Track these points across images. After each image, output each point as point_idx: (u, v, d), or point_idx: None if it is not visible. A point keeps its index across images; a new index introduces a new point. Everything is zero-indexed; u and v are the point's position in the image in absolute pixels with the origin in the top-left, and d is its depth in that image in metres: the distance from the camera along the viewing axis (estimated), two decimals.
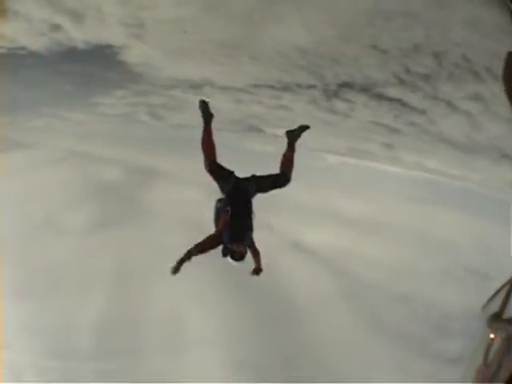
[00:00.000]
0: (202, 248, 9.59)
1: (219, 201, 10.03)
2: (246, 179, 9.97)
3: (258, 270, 10.32)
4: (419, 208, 26.52)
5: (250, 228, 9.65)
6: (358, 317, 22.49)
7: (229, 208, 9.51)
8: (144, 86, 25.12)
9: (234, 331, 21.49)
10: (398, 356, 20.93)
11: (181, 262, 9.75)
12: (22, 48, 21.81)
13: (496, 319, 6.79)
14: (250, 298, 21.58)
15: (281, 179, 10.13)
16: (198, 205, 25.21)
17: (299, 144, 25.73)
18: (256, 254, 10.09)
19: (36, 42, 21.80)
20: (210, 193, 24.75)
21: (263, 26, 19.40)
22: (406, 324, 22.16)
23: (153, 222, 25.35)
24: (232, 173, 10.06)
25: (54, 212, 25.43)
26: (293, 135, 10.72)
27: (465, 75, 18.85)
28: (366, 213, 26.71)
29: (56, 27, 21.22)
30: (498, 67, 15.67)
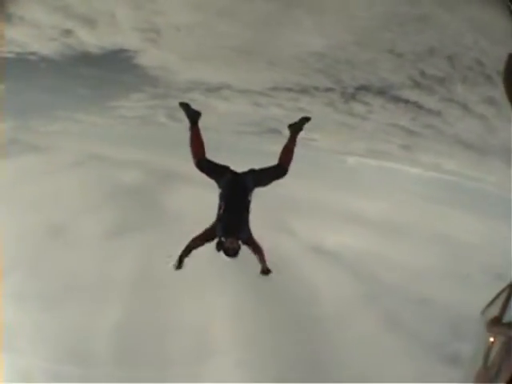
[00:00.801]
0: (198, 241, 9.99)
1: (220, 187, 10.07)
2: (244, 174, 9.93)
3: (265, 271, 10.21)
4: (437, 209, 26.35)
5: (245, 223, 9.60)
6: (378, 319, 22.33)
7: (222, 203, 9.67)
8: (161, 89, 24.97)
9: (257, 338, 21.21)
10: (415, 358, 20.79)
11: (181, 257, 10.26)
12: (33, 53, 21.74)
13: (496, 323, 6.59)
14: (272, 303, 21.06)
15: (278, 170, 9.97)
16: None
17: (319, 146, 25.52)
18: (258, 252, 9.99)
19: (47, 47, 21.75)
20: None
21: (279, 30, 19.24)
22: (424, 326, 21.95)
23: (174, 227, 24.64)
24: (227, 168, 10.06)
25: (71, 216, 25.13)
26: (295, 127, 10.26)
27: (478, 78, 18.87)
28: (385, 214, 26.50)
29: (67, 32, 21.19)
30: None
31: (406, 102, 21.64)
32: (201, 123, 24.64)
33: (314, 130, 25.16)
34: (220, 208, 9.72)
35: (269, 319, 21.44)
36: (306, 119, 10.16)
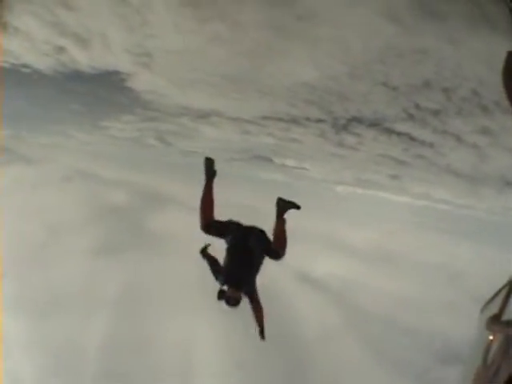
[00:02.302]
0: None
1: (226, 242, 9.34)
2: (249, 230, 9.22)
3: (261, 332, 10.04)
4: (426, 238, 26.13)
5: (249, 278, 9.03)
6: (364, 348, 21.92)
7: (227, 256, 9.08)
8: (152, 112, 24.73)
9: (242, 361, 20.85)
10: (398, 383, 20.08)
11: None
12: (26, 66, 21.35)
13: (495, 321, 6.05)
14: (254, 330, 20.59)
15: (273, 253, 9.14)
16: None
17: (309, 176, 25.05)
18: (257, 310, 9.49)
19: (40, 61, 21.30)
20: None
21: (271, 60, 18.67)
22: (410, 354, 21.55)
23: (159, 249, 24.75)
24: (233, 224, 9.33)
25: (59, 231, 24.85)
26: (283, 205, 9.29)
27: (473, 109, 18.18)
28: (373, 243, 26.35)
29: (60, 49, 20.56)
30: (506, 101, 15.40)
31: (399, 134, 21.28)
32: (189, 147, 24.26)
33: (305, 160, 25.75)
34: (225, 259, 9.14)
35: (254, 343, 20.96)
36: (296, 206, 9.32)
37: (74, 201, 26.82)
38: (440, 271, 24.35)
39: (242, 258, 8.91)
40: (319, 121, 22.11)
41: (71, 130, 27.68)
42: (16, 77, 21.32)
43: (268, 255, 9.12)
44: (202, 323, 20.91)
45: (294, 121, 22.54)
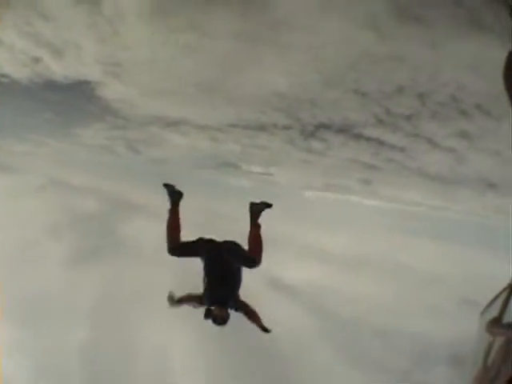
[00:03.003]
0: (189, 302, 9.29)
1: (201, 261, 9.28)
2: (221, 246, 9.11)
3: (264, 329, 9.69)
4: (399, 240, 25.89)
5: (232, 292, 8.99)
6: (339, 353, 21.70)
7: (205, 276, 9.00)
8: (121, 120, 24.72)
9: (217, 366, 20.98)
10: None
11: (175, 301, 9.59)
12: (5, 75, 21.36)
13: (495, 324, 6.00)
14: (232, 333, 20.40)
15: (249, 261, 8.94)
16: None
17: (276, 181, 24.86)
18: (252, 315, 9.37)
19: (19, 72, 21.33)
20: (189, 229, 24.23)
21: (241, 69, 18.42)
22: (389, 358, 21.38)
23: (131, 256, 24.55)
24: (204, 242, 9.20)
25: (34, 240, 24.68)
26: (256, 208, 9.19)
27: (451, 113, 17.91)
28: (344, 247, 26.14)
29: (37, 60, 20.52)
30: (490, 104, 15.77)
31: (368, 139, 21.09)
32: (158, 155, 24.12)
33: (272, 166, 25.56)
34: (204, 280, 9.01)
35: (228, 349, 20.88)
36: (268, 205, 9.23)
37: (47, 209, 26.72)
38: (415, 273, 24.21)
39: (222, 275, 8.84)
40: (287, 127, 22.09)
41: (44, 137, 27.76)
42: None
43: (244, 265, 9.00)
44: (176, 329, 20.73)
45: (262, 128, 22.57)
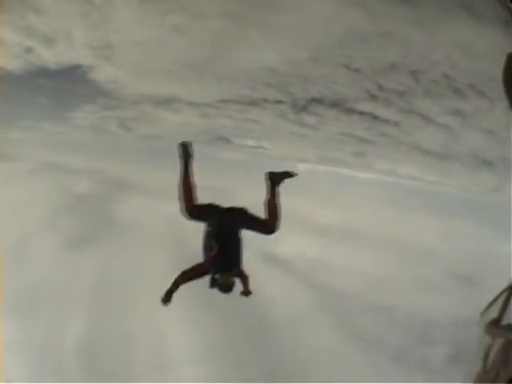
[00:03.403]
0: (188, 277, 8.93)
1: (209, 226, 9.05)
2: (232, 212, 9.06)
3: (246, 293, 9.55)
4: (394, 213, 25.61)
5: (238, 260, 8.91)
6: (336, 328, 21.43)
7: (215, 242, 8.66)
8: (113, 101, 24.82)
9: (216, 348, 20.37)
10: (377, 365, 19.87)
11: (169, 292, 9.11)
12: (1, 68, 21.17)
13: (494, 326, 6.05)
14: (229, 314, 20.32)
15: (266, 228, 9.08)
16: (174, 218, 24.45)
17: (269, 154, 24.75)
18: (244, 279, 9.33)
19: (12, 64, 21.46)
20: None
21: (230, 47, 18.59)
22: (384, 333, 21.24)
23: (129, 237, 24.20)
24: (215, 207, 9.08)
25: (31, 227, 24.43)
26: (276, 178, 9.28)
27: (445, 92, 18.08)
28: (339, 220, 25.84)
29: (29, 50, 20.86)
30: (483, 85, 15.92)
31: (361, 113, 21.07)
32: (150, 132, 24.12)
33: (264, 139, 25.56)
34: (210, 248, 8.77)
35: (226, 329, 20.82)
36: (289, 174, 9.27)
37: (42, 193, 26.38)
38: (412, 248, 24.02)
39: (229, 242, 8.77)
40: (278, 102, 22.10)
41: (38, 123, 27.91)
42: None
43: (258, 231, 9.07)
44: (173, 312, 20.70)
45: (253, 103, 22.56)
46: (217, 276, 8.41)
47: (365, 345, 20.78)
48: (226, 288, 8.42)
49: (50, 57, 21.24)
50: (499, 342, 6.03)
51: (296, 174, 9.19)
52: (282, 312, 21.45)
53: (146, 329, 20.61)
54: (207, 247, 8.81)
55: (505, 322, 6.30)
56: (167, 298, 9.09)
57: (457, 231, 23.75)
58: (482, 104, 16.97)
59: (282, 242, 23.26)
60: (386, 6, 14.93)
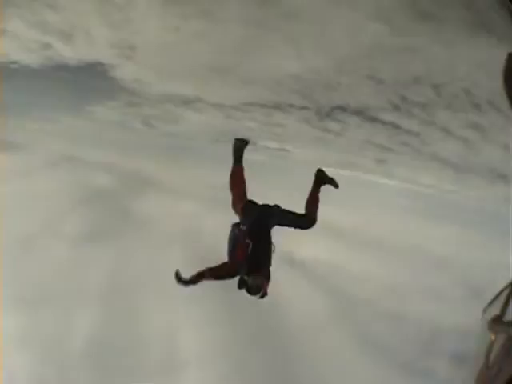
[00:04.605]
0: (217, 275, 8.65)
1: (236, 226, 8.80)
2: (268, 210, 8.94)
3: (262, 294, 8.81)
4: (412, 221, 25.47)
5: (268, 261, 8.67)
6: (350, 336, 21.38)
7: (249, 241, 8.41)
8: (135, 98, 24.92)
9: (228, 350, 20.05)
10: (387, 373, 19.71)
11: (190, 281, 8.81)
12: (14, 62, 21.52)
13: (497, 322, 5.94)
14: (241, 314, 20.23)
15: (305, 221, 9.25)
16: (193, 217, 24.29)
17: (292, 158, 24.73)
18: (266, 281, 8.78)
19: (28, 58, 21.53)
20: (205, 205, 23.64)
21: (255, 54, 18.59)
22: (395, 342, 21.07)
23: (146, 234, 23.97)
24: (253, 204, 8.96)
25: (47, 220, 24.18)
26: (323, 177, 9.66)
27: (465, 106, 18.15)
28: (358, 226, 25.74)
29: (46, 45, 20.88)
30: (501, 101, 15.22)
31: (383, 122, 21.21)
32: (173, 130, 24.08)
33: (288, 142, 25.56)
34: (235, 240, 8.63)
35: (239, 331, 20.53)
36: (334, 183, 9.64)
37: (60, 187, 26.19)
38: (426, 257, 23.90)
39: (262, 241, 8.59)
40: (303, 108, 22.17)
41: (58, 115, 27.94)
42: (7, 72, 21.18)
43: (297, 225, 9.09)
44: (187, 311, 20.58)
45: (278, 107, 22.69)
46: (247, 277, 8.18)
47: (374, 351, 20.67)
48: (256, 291, 8.17)
49: (69, 53, 21.43)
50: (501, 339, 5.94)
51: (338, 187, 9.53)
52: (296, 316, 21.40)
53: (157, 328, 20.41)
54: (236, 246, 8.55)
55: (507, 318, 6.22)
56: (184, 282, 8.82)
57: (471, 241, 23.67)
58: (499, 120, 16.93)
59: (301, 245, 23.09)
60: (411, 22, 14.94)
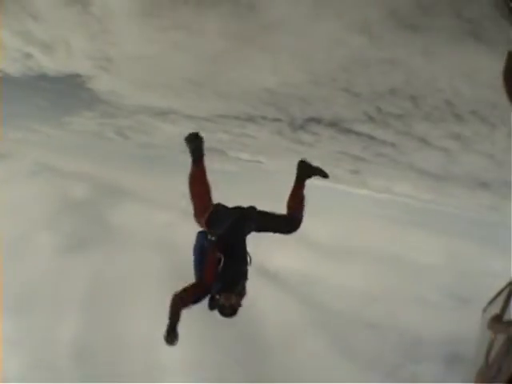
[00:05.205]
0: (186, 301, 6.88)
1: (202, 235, 7.18)
2: (242, 214, 7.24)
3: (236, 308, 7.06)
4: (388, 230, 25.60)
5: (243, 276, 7.04)
6: (330, 345, 21.31)
7: (220, 255, 6.84)
8: (111, 109, 24.81)
9: (205, 359, 20.21)
10: (368, 381, 19.68)
11: (172, 328, 7.00)
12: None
13: (497, 321, 5.84)
14: (219, 324, 20.23)
15: (289, 223, 7.41)
16: (168, 226, 24.53)
17: (265, 168, 24.63)
18: (241, 296, 7.07)
19: (11, 67, 21.47)
20: (179, 214, 23.57)
21: (229, 66, 18.39)
22: (379, 351, 21.08)
23: (123, 244, 24.15)
24: (224, 209, 7.25)
25: (27, 228, 24.29)
26: (307, 170, 7.63)
27: (444, 116, 17.87)
28: (333, 236, 25.76)
29: (28, 56, 20.70)
30: (486, 111, 15.70)
31: (358, 134, 21.07)
32: (147, 141, 23.83)
33: (261, 154, 25.81)
34: (202, 251, 7.06)
35: (217, 340, 20.45)
36: (323, 173, 7.59)
37: (39, 196, 26.51)
38: (403, 265, 23.95)
39: (236, 254, 7.05)
40: (276, 120, 22.16)
41: (37, 124, 27.96)
42: None
43: (279, 229, 7.41)
44: (165, 319, 20.51)
45: (251, 119, 22.65)
46: (219, 296, 6.68)
47: (357, 360, 20.59)
48: (230, 311, 6.66)
49: (49, 64, 21.20)
50: (501, 338, 5.85)
51: (327, 177, 7.60)
52: (273, 327, 21.24)
53: (138, 333, 20.31)
54: (203, 262, 7.06)
55: (507, 317, 6.14)
56: (172, 336, 6.95)
57: (452, 248, 23.70)
58: (483, 129, 16.84)
59: (275, 256, 22.99)
60: (391, 33, 14.66)
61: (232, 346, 20.68)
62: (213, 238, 6.90)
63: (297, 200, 7.53)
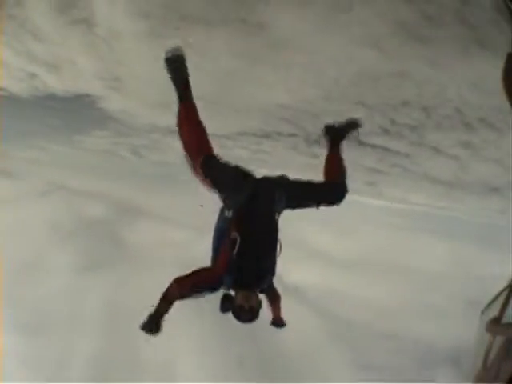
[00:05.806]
0: (184, 289, 5.94)
1: (223, 212, 5.97)
2: (270, 182, 6.12)
3: (279, 322, 7.32)
4: (405, 238, 25.39)
5: (271, 267, 5.73)
6: (348, 358, 21.22)
7: (236, 237, 5.49)
8: (123, 128, 24.60)
9: (224, 375, 19.96)
10: None
11: (155, 317, 6.31)
12: (2, 89, 20.99)
13: (495, 323, 5.78)
14: (236, 339, 20.26)
15: (333, 190, 6.65)
16: (184, 243, 24.34)
17: None
18: (275, 300, 6.79)
19: (16, 86, 21.20)
20: (196, 231, 23.52)
21: (241, 85, 18.33)
22: (395, 362, 20.93)
23: (139, 263, 24.05)
24: (242, 172, 6.20)
25: (41, 248, 24.21)
26: (334, 130, 7.20)
27: (455, 125, 17.87)
28: (350, 249, 25.67)
29: (32, 75, 20.54)
30: (493, 117, 15.86)
31: (373, 146, 21.03)
32: (161, 159, 23.73)
33: (277, 169, 25.05)
34: (220, 234, 5.80)
35: (236, 355, 20.52)
36: (355, 124, 7.19)
37: (53, 217, 26.35)
38: (420, 275, 23.77)
39: (260, 235, 5.67)
40: (291, 135, 22.11)
41: (48, 143, 27.70)
42: None
43: (322, 200, 6.57)
44: (183, 339, 20.38)
45: (267, 136, 22.65)
46: (233, 293, 5.52)
47: (374, 372, 20.61)
48: (249, 315, 5.47)
49: (56, 84, 21.12)
50: (500, 340, 5.78)
51: (361, 126, 7.20)
52: (292, 340, 20.87)
53: (155, 354, 20.06)
54: (222, 243, 5.75)
55: (505, 319, 6.07)
56: (153, 326, 6.33)
57: (466, 256, 23.50)
58: (491, 135, 16.97)
59: (293, 269, 22.87)
60: (399, 46, 14.48)
61: (249, 361, 20.62)
62: (229, 215, 5.74)
63: (336, 165, 6.95)
